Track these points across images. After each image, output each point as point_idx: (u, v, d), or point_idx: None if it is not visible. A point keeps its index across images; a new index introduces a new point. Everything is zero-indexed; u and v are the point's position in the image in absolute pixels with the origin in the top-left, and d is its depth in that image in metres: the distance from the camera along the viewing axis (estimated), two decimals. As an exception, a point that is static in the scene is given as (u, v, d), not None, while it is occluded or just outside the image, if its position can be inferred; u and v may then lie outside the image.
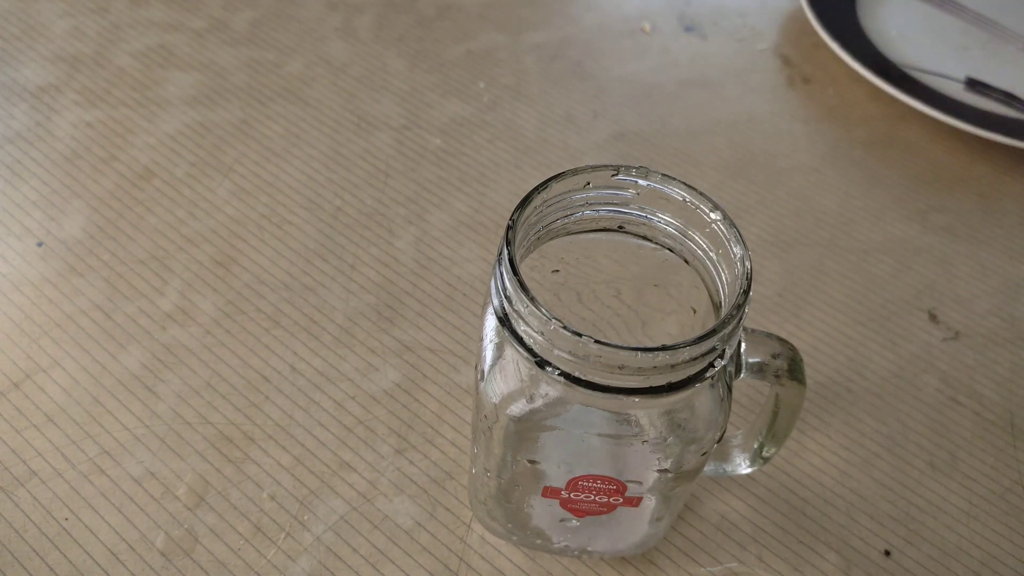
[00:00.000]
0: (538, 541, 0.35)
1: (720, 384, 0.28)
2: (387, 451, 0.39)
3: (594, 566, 0.36)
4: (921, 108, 0.54)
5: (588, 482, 0.30)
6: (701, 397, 0.28)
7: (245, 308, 0.44)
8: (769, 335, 0.30)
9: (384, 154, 0.52)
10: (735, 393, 0.41)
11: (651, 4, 0.65)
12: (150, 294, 0.44)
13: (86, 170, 0.49)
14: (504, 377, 0.27)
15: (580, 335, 0.24)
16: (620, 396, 0.26)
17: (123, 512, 0.37)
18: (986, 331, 0.46)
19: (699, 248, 0.29)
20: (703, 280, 0.30)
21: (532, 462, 0.29)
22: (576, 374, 0.25)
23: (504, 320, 0.26)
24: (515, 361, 0.27)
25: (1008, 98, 0.58)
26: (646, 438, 0.27)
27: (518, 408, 0.27)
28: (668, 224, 0.30)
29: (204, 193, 0.49)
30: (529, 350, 0.26)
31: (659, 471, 0.29)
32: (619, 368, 0.25)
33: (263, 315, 0.44)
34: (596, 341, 0.24)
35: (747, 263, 0.26)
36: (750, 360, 0.30)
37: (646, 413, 0.27)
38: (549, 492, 0.30)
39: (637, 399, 0.26)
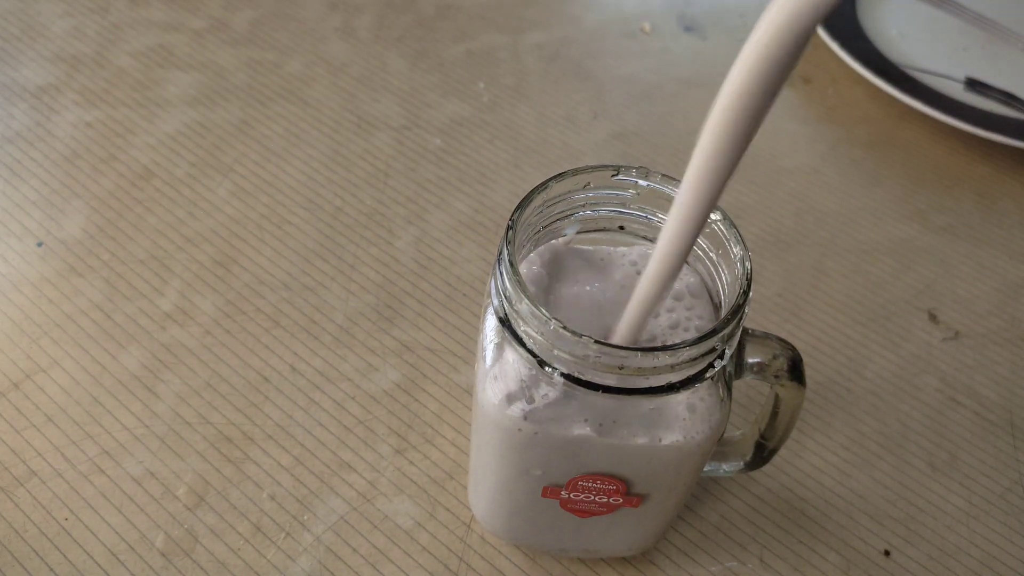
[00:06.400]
0: (538, 541, 0.35)
1: (720, 384, 0.28)
2: (387, 451, 0.39)
3: (594, 566, 0.36)
4: (921, 108, 0.54)
5: (588, 482, 0.30)
6: (701, 397, 0.28)
7: (245, 308, 0.44)
8: (769, 336, 0.30)
9: (384, 154, 0.52)
10: (735, 393, 0.41)
11: (651, 4, 0.65)
12: (150, 294, 0.44)
13: (86, 170, 0.49)
14: (504, 377, 0.27)
15: (580, 335, 0.24)
16: (620, 396, 0.26)
17: (123, 512, 0.37)
18: (986, 331, 0.46)
19: (699, 248, 0.29)
20: (703, 280, 0.30)
21: (532, 462, 0.29)
22: (576, 374, 0.25)
23: (504, 320, 0.26)
24: (515, 361, 0.27)
25: (1008, 98, 0.58)
26: (646, 438, 0.27)
27: (518, 408, 0.27)
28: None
29: (204, 193, 0.49)
30: (529, 350, 0.26)
31: (659, 471, 0.29)
32: (619, 368, 0.25)
33: (263, 315, 0.44)
34: (596, 341, 0.24)
35: (747, 263, 0.26)
36: (750, 360, 0.30)
37: (646, 413, 0.27)
38: (549, 492, 0.30)
39: (637, 399, 0.26)
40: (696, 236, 0.24)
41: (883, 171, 0.55)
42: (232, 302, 0.44)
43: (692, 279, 0.30)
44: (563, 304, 0.29)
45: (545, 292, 0.29)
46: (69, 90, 0.54)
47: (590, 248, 0.31)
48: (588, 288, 0.30)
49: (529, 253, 0.30)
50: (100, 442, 0.38)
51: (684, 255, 0.24)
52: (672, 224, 0.24)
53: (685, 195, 0.23)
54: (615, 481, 0.29)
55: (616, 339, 0.27)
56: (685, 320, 0.29)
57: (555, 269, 0.30)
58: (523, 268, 0.29)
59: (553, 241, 0.30)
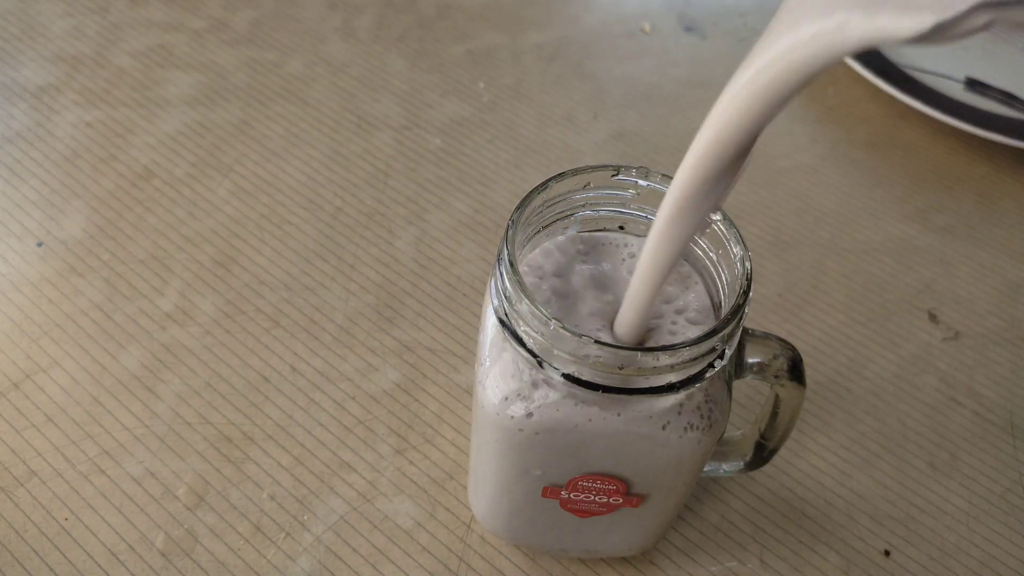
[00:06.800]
0: (538, 541, 0.35)
1: (720, 384, 0.28)
2: (387, 451, 0.39)
3: (594, 566, 0.36)
4: (921, 108, 0.54)
5: (588, 482, 0.30)
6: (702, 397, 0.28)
7: (245, 308, 0.44)
8: (769, 336, 0.30)
9: (384, 154, 0.52)
10: (735, 393, 0.41)
11: (651, 4, 0.65)
12: (150, 294, 0.44)
13: (86, 170, 0.49)
14: (504, 377, 0.27)
15: (580, 335, 0.24)
16: (620, 396, 0.26)
17: (123, 512, 0.37)
18: (986, 331, 0.46)
19: (699, 248, 0.29)
20: (703, 280, 0.30)
21: (532, 462, 0.29)
22: (576, 374, 0.25)
23: (504, 320, 0.26)
24: (515, 361, 0.27)
25: (1008, 98, 0.58)
26: (646, 438, 0.27)
27: (518, 408, 0.27)
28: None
29: (204, 193, 0.49)
30: (529, 350, 0.26)
31: (659, 471, 0.29)
32: (619, 368, 0.25)
33: (263, 315, 0.44)
34: (596, 341, 0.24)
35: (747, 263, 0.26)
36: (750, 360, 0.30)
37: (646, 413, 0.27)
38: (549, 492, 0.30)
39: (637, 399, 0.26)
40: (688, 236, 0.24)
41: (883, 171, 0.55)
42: (232, 302, 0.44)
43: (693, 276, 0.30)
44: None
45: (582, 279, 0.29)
46: (69, 90, 0.54)
47: (611, 235, 0.31)
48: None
49: (529, 253, 0.30)
50: (100, 442, 0.38)
51: (674, 259, 0.25)
52: (658, 226, 0.24)
53: (672, 199, 0.23)
54: (615, 481, 0.29)
55: (618, 331, 0.27)
56: (678, 319, 0.29)
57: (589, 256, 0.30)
58: (541, 259, 0.29)
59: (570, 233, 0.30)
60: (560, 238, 0.30)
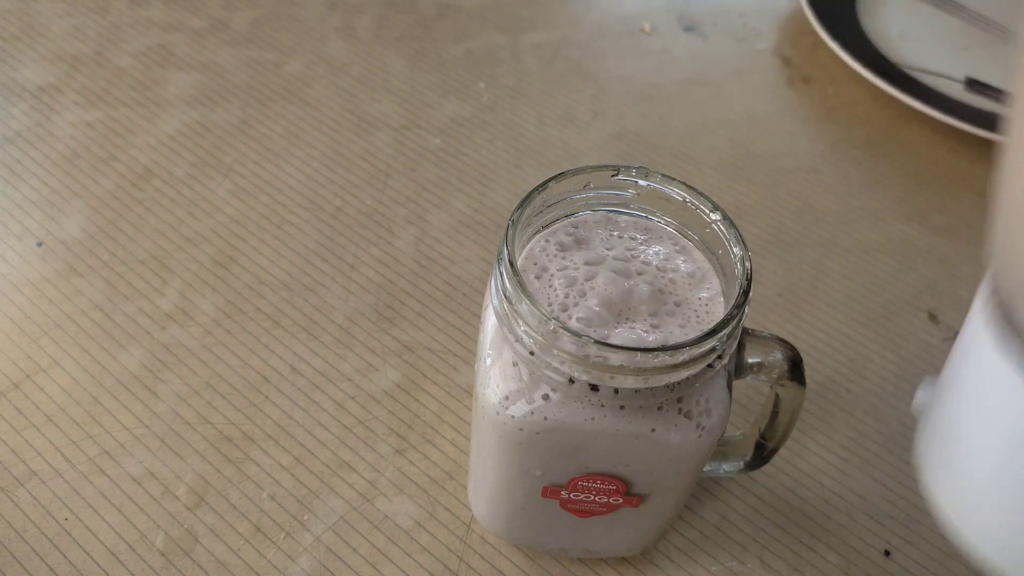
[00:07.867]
0: (538, 541, 0.35)
1: (720, 384, 0.28)
2: (387, 451, 0.39)
3: (594, 566, 0.36)
4: (921, 108, 0.54)
5: (588, 482, 0.30)
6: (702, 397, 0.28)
7: (245, 308, 0.44)
8: (769, 336, 0.30)
9: (384, 154, 0.52)
10: (735, 393, 0.41)
11: (651, 4, 0.65)
12: (150, 294, 0.44)
13: (86, 170, 0.49)
14: (504, 377, 0.27)
15: (580, 335, 0.24)
16: (620, 396, 0.26)
17: (123, 512, 0.37)
18: (986, 331, 0.46)
19: (698, 248, 0.29)
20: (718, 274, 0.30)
21: (532, 462, 0.29)
22: (576, 374, 0.25)
23: (504, 320, 0.26)
24: (515, 361, 0.27)
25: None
26: (646, 438, 0.27)
27: (518, 408, 0.27)
28: (668, 224, 0.30)
29: (204, 193, 0.49)
30: (529, 350, 0.26)
31: (659, 471, 0.29)
32: (619, 368, 0.25)
33: (263, 315, 0.44)
34: (596, 341, 0.24)
35: (747, 263, 0.26)
36: (750, 361, 0.30)
37: (646, 412, 0.27)
38: (549, 492, 0.30)
39: (637, 399, 0.26)
40: None
41: (883, 171, 0.55)
42: (232, 302, 0.44)
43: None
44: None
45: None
46: (69, 90, 0.54)
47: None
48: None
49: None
50: (100, 442, 0.39)
51: None
52: None
53: None
54: (615, 481, 0.29)
55: None
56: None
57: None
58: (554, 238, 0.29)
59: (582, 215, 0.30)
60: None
